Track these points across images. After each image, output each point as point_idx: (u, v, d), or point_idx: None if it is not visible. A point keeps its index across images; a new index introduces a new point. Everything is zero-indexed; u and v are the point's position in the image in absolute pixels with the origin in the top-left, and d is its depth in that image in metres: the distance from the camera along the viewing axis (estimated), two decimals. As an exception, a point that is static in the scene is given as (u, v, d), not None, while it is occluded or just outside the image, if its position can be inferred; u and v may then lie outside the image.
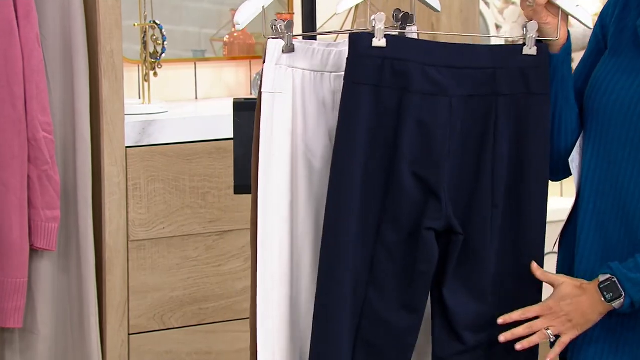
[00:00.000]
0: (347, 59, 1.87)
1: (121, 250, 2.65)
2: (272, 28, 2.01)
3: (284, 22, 1.99)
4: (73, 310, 2.61)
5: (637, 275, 1.86)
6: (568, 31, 1.96)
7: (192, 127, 2.73)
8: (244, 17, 1.97)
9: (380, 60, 1.85)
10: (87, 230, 2.59)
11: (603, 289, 1.87)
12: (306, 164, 2.03)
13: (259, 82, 2.01)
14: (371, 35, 1.86)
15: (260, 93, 2.02)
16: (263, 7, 1.99)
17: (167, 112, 2.80)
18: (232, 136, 2.21)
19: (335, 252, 1.88)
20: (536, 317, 1.88)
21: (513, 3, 3.45)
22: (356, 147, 1.85)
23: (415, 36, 2.11)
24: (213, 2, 3.11)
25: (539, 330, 1.86)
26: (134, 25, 2.84)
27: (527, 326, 1.86)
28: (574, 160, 1.98)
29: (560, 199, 3.31)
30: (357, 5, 3.11)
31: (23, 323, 2.56)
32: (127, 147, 2.66)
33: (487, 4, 3.39)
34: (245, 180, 2.09)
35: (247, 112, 2.23)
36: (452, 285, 1.88)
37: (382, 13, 1.86)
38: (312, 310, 1.99)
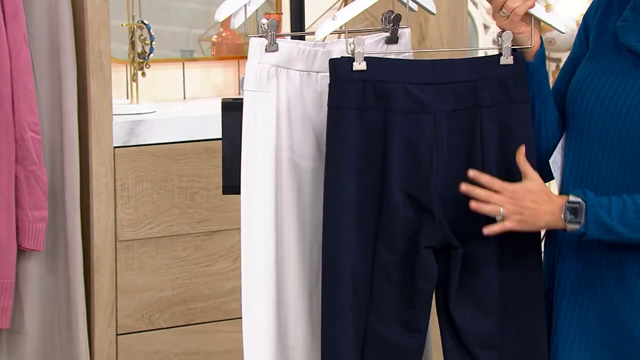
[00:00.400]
0: (329, 84, 1.89)
1: (109, 251, 2.65)
2: (259, 27, 2.01)
3: (267, 20, 1.99)
4: (61, 311, 2.61)
5: (605, 214, 1.86)
6: (540, 37, 1.97)
7: (180, 127, 2.73)
8: (223, 13, 1.99)
9: (362, 84, 1.87)
10: (74, 230, 2.59)
11: (568, 208, 1.86)
12: (291, 163, 2.03)
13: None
14: (351, 59, 1.88)
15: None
16: (245, 5, 2.00)
17: (155, 112, 2.80)
18: (220, 136, 2.21)
19: (335, 279, 1.89)
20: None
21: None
22: (346, 171, 1.87)
23: (408, 36, 2.12)
24: (201, 2, 3.10)
25: (493, 203, 1.85)
26: (122, 25, 2.84)
27: (487, 194, 1.85)
28: (556, 161, 1.99)
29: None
30: (344, 5, 3.12)
31: (10, 323, 2.55)
32: (115, 147, 2.65)
33: (475, 4, 3.40)
34: (233, 180, 2.09)
35: (235, 112, 2.22)
36: (458, 300, 1.90)
37: (361, 37, 1.88)
38: (298, 311, 2.00)
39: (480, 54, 3.36)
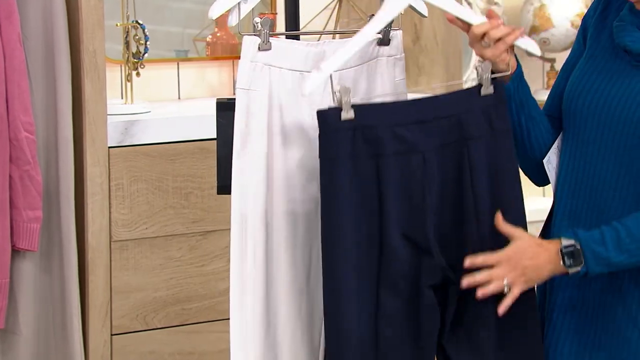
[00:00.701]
0: (319, 135, 1.89)
1: (104, 251, 2.65)
2: (254, 26, 2.01)
3: (261, 19, 2.00)
4: (55, 311, 2.61)
5: (601, 249, 1.86)
6: (515, 56, 1.98)
7: (175, 127, 2.73)
8: (217, 10, 1.99)
9: (351, 132, 1.87)
10: (69, 230, 2.59)
11: (565, 253, 1.87)
12: (283, 163, 2.03)
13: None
14: (338, 110, 1.88)
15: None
16: (239, 2, 2.00)
17: (149, 112, 2.80)
18: (215, 136, 2.21)
19: (338, 328, 1.88)
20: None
21: (496, 3, 3.45)
22: (343, 220, 1.87)
23: (399, 38, 2.12)
24: (196, 2, 3.10)
25: (496, 280, 1.86)
26: (117, 25, 2.84)
27: (488, 274, 1.86)
28: (551, 161, 2.00)
29: (543, 199, 3.32)
30: (339, 5, 3.12)
31: (5, 324, 2.55)
32: (109, 147, 2.65)
33: (469, 4, 3.40)
34: (228, 180, 2.09)
35: (230, 112, 2.22)
36: (454, 338, 1.90)
37: (347, 86, 1.89)
38: (288, 309, 2.00)
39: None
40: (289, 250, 2.04)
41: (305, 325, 2.04)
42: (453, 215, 1.89)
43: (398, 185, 1.87)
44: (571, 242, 1.87)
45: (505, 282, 1.86)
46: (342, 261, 1.86)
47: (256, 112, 2.02)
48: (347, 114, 1.88)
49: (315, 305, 2.07)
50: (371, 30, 1.91)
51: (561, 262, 1.87)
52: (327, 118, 1.88)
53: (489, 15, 1.95)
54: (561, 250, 1.87)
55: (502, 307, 1.87)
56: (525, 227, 1.95)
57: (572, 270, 1.87)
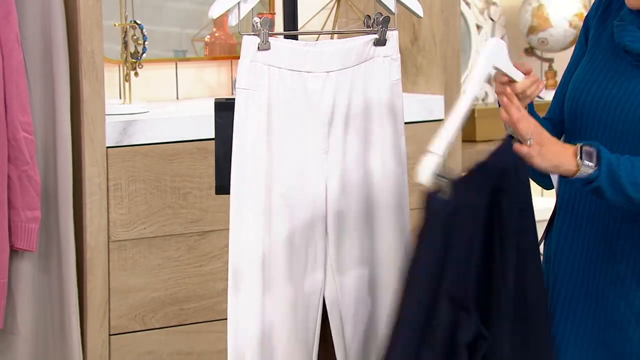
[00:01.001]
0: (426, 219, 1.89)
1: (102, 251, 2.65)
2: (253, 26, 2.01)
3: (260, 19, 2.00)
4: (54, 311, 2.61)
5: (615, 165, 1.84)
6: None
7: (173, 127, 2.72)
8: (217, 10, 1.99)
9: (451, 210, 1.88)
10: (67, 230, 2.58)
11: (584, 151, 1.85)
12: (282, 162, 2.04)
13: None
14: (444, 197, 1.88)
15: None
16: (239, 2, 2.00)
17: (148, 112, 2.80)
18: (213, 136, 2.21)
19: None
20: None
21: (494, 3, 3.45)
22: (417, 279, 1.89)
23: (395, 38, 2.12)
24: (194, 2, 3.10)
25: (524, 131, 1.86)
26: (115, 25, 2.84)
27: (518, 107, 1.87)
28: None
29: (542, 199, 3.32)
30: (338, 5, 3.12)
31: (3, 324, 2.55)
32: (107, 147, 2.65)
33: (467, 4, 3.40)
34: (226, 180, 2.09)
35: (228, 112, 2.23)
36: None
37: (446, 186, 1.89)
38: (284, 309, 2.00)
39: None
40: (287, 252, 2.04)
41: (301, 326, 2.04)
42: (485, 269, 1.91)
43: (451, 248, 1.89)
44: (591, 148, 1.86)
45: (530, 135, 1.85)
46: (404, 315, 1.89)
47: (255, 112, 2.02)
48: (446, 195, 1.88)
49: (310, 307, 2.07)
50: (465, 106, 1.90)
51: (577, 159, 1.84)
52: (434, 204, 1.89)
53: (528, 71, 1.94)
54: (580, 148, 1.85)
55: (517, 146, 1.85)
56: (542, 278, 1.96)
57: (583, 170, 1.84)
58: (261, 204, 2.02)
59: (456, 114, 1.89)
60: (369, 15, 2.12)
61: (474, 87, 1.90)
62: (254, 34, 2.01)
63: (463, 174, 1.92)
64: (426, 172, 1.85)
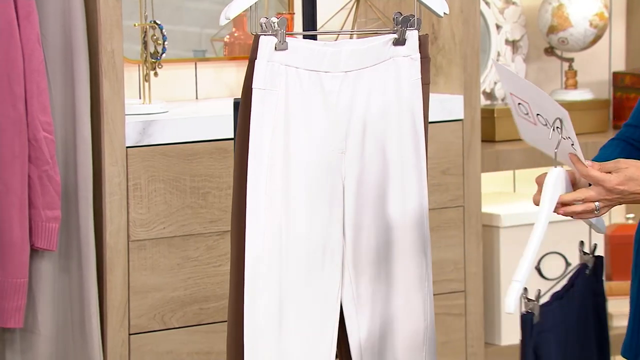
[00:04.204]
0: (522, 341, 1.99)
1: (122, 250, 2.65)
2: (262, 26, 2.01)
3: (277, 19, 2.00)
4: (74, 310, 2.62)
5: None
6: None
7: (193, 127, 2.73)
8: (233, 11, 1.99)
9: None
10: (87, 230, 2.59)
11: None
12: (299, 163, 2.03)
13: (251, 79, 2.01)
14: (531, 314, 1.97)
15: (249, 89, 2.02)
16: (254, 4, 2.00)
17: (167, 112, 2.80)
18: (232, 136, 2.21)
19: None
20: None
21: (514, 3, 3.45)
22: None
23: (415, 38, 2.12)
24: (214, 2, 3.10)
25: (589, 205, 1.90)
26: (135, 25, 2.84)
27: (583, 200, 1.90)
28: None
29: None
30: (357, 5, 3.12)
31: (24, 323, 2.56)
32: (127, 147, 2.66)
33: (487, 3, 3.39)
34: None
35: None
36: None
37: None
38: (298, 314, 2.00)
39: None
40: (303, 250, 2.04)
41: (318, 325, 2.04)
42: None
43: None
44: None
45: (597, 204, 1.88)
46: None
47: (272, 112, 2.02)
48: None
49: (326, 306, 2.06)
50: (539, 237, 1.96)
51: None
52: (526, 323, 1.97)
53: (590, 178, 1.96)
54: None
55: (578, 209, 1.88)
56: None
57: None
58: (278, 203, 2.02)
59: (533, 245, 1.96)
60: (400, 12, 2.12)
61: (544, 223, 1.98)
62: (271, 34, 2.00)
63: (547, 300, 2.02)
64: (512, 300, 1.93)
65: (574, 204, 1.93)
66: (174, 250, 2.72)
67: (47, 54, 2.57)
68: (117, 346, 2.65)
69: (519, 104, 1.97)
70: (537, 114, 1.95)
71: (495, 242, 3.11)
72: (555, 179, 1.96)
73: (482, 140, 3.08)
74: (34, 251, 2.57)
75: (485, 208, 3.12)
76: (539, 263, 3.14)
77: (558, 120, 1.93)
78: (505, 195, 3.34)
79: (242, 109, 2.02)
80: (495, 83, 3.36)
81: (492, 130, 3.21)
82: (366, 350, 2.10)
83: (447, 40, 3.05)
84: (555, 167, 1.97)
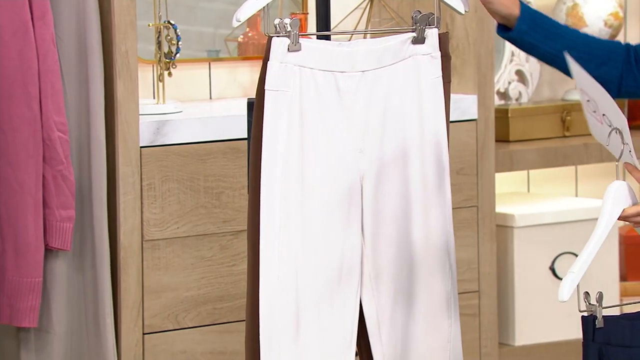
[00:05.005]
0: (584, 344, 1.99)
1: (136, 250, 2.66)
2: (275, 27, 2.01)
3: (290, 20, 2.00)
4: (88, 310, 2.62)
5: None
6: (521, 3, 1.95)
7: (207, 127, 2.73)
8: (244, 14, 1.99)
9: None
10: (101, 230, 2.60)
11: None
12: (314, 163, 2.03)
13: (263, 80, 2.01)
14: (597, 325, 1.99)
15: (262, 91, 2.02)
16: (266, 5, 2.00)
17: (181, 112, 2.81)
18: (246, 136, 2.21)
19: None
20: None
21: (528, 2, 3.44)
22: None
23: (435, 36, 2.11)
24: (227, 2, 3.11)
25: None
26: (149, 25, 2.85)
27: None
28: None
29: (576, 199, 3.30)
30: (371, 5, 3.12)
31: (38, 322, 2.57)
32: (141, 147, 2.66)
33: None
34: (259, 180, 2.09)
35: (261, 112, 2.22)
36: None
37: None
38: (319, 316, 1.99)
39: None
40: (321, 250, 2.04)
41: (338, 327, 2.04)
42: None
43: None
44: None
45: None
46: None
47: (286, 112, 2.02)
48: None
49: (346, 308, 2.06)
50: (600, 240, 1.98)
51: None
52: (587, 325, 1.99)
53: None
54: None
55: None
56: None
57: None
58: (293, 204, 2.02)
59: (593, 245, 1.97)
60: (419, 11, 2.12)
61: (602, 233, 1.99)
62: (283, 35, 2.00)
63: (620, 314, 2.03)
64: (565, 290, 1.95)
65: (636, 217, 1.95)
66: (188, 250, 2.72)
67: (62, 54, 2.58)
68: (132, 346, 2.65)
69: (588, 100, 1.96)
70: (603, 114, 1.95)
71: (509, 242, 3.10)
72: (615, 192, 1.97)
73: (496, 140, 3.07)
74: (49, 251, 2.57)
75: (499, 208, 3.11)
76: (553, 263, 3.13)
77: (616, 129, 1.95)
78: (519, 195, 3.34)
79: (256, 111, 2.02)
80: (509, 83, 3.36)
81: (506, 130, 3.20)
82: (386, 356, 2.08)
83: (461, 40, 3.04)
84: (617, 178, 1.98)
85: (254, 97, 2.05)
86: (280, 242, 2.02)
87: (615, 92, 2.01)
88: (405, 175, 2.09)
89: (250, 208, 2.04)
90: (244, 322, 2.82)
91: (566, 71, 1.98)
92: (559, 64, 1.97)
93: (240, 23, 2.02)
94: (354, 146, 2.06)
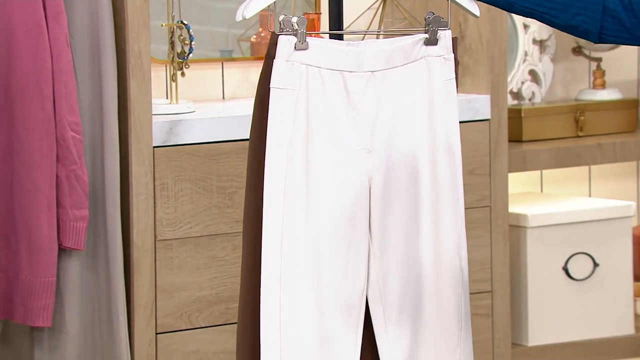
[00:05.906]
0: None
1: (149, 250, 2.66)
2: (280, 24, 2.01)
3: (297, 18, 2.00)
4: (101, 309, 2.63)
5: None
6: None
7: (220, 126, 2.74)
8: (250, 11, 1.99)
9: None
10: (115, 229, 2.60)
11: None
12: (320, 162, 2.03)
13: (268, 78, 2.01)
14: None
15: (267, 89, 2.01)
16: (273, 3, 2.00)
17: (194, 111, 2.81)
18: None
19: None
20: None
21: (541, 2, 3.43)
22: None
23: (448, 38, 2.11)
24: (240, 2, 3.10)
25: None
26: (162, 25, 2.85)
27: None
28: None
29: (589, 200, 3.30)
30: (383, 5, 3.11)
31: (52, 322, 2.57)
32: (154, 146, 2.67)
33: (514, 3, 3.38)
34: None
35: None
36: None
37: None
38: (324, 312, 1.99)
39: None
40: (326, 251, 2.03)
41: (343, 323, 2.03)
42: None
43: None
44: None
45: None
46: None
47: (292, 111, 2.01)
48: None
49: (352, 306, 2.06)
50: None
51: None
52: None
53: None
54: None
55: None
56: None
57: None
58: (297, 205, 2.01)
59: None
60: (432, 12, 2.11)
61: None
62: (291, 34, 2.00)
63: None
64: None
65: None
66: (201, 249, 2.73)
67: (75, 54, 2.59)
68: (145, 345, 2.66)
69: None
70: None
71: (522, 243, 3.10)
72: None
73: (509, 140, 3.07)
74: (62, 250, 2.58)
75: (512, 208, 3.10)
76: (566, 263, 3.13)
77: None
78: (532, 195, 3.33)
79: (259, 109, 2.01)
80: (522, 83, 3.35)
81: (519, 130, 3.20)
82: (393, 352, 2.08)
83: (474, 40, 3.04)
84: None
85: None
86: (283, 245, 2.01)
87: (595, 40, 1.98)
88: (415, 176, 2.09)
89: (250, 209, 2.03)
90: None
91: (550, 24, 1.97)
92: (537, 17, 1.96)
93: (243, 19, 2.02)
94: (361, 146, 2.05)
